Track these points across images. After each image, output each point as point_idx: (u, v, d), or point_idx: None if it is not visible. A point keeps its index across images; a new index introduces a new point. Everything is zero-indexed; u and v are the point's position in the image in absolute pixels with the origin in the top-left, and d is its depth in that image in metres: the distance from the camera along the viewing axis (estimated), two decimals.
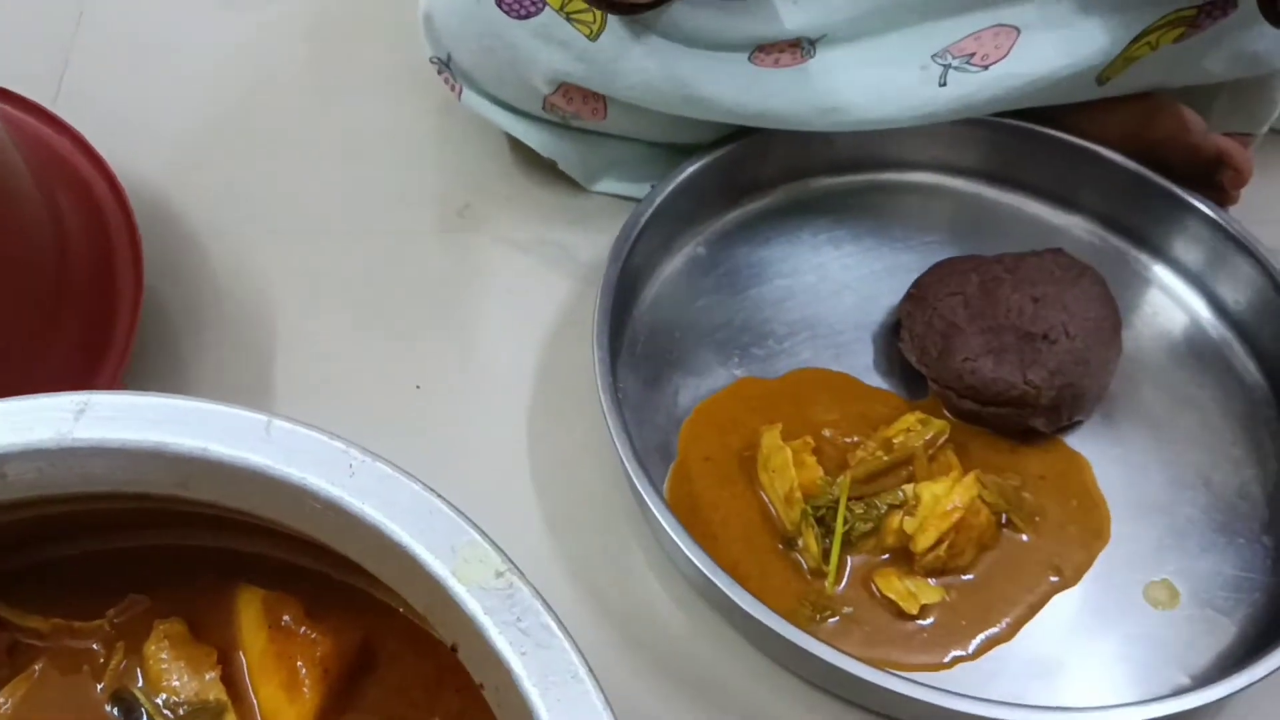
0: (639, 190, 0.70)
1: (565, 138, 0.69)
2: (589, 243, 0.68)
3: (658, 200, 0.64)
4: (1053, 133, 0.68)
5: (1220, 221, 0.65)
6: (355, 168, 0.72)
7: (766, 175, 0.69)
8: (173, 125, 0.73)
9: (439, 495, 0.40)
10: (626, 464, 0.53)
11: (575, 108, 0.66)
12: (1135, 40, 0.64)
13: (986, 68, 0.65)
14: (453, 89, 0.70)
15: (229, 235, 0.68)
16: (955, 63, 0.66)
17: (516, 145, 0.74)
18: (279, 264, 0.67)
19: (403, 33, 0.79)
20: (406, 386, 0.63)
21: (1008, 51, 0.65)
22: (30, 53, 0.76)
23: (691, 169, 0.65)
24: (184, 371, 0.63)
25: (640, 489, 0.52)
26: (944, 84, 0.65)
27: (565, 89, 0.65)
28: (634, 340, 0.63)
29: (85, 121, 0.66)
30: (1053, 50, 0.65)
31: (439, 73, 0.70)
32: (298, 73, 0.77)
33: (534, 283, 0.67)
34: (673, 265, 0.67)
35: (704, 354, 0.63)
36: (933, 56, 0.65)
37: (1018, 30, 0.65)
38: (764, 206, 0.70)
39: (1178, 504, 0.59)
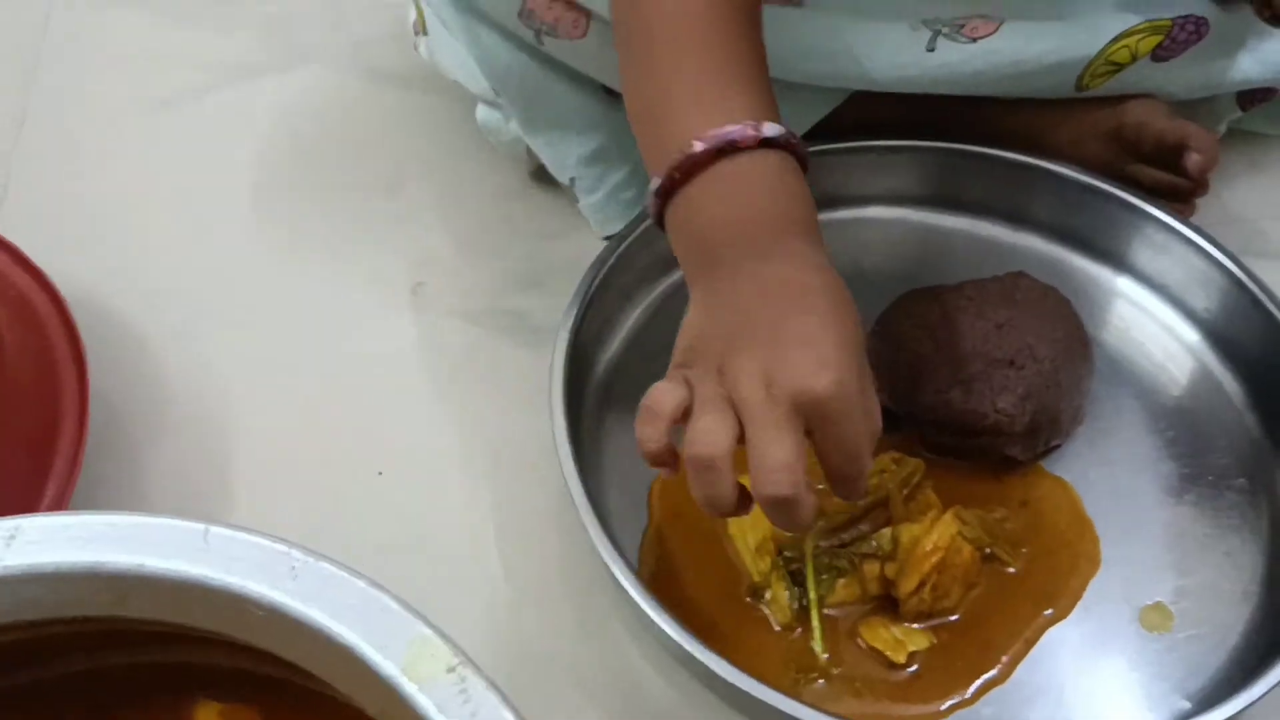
0: (572, 170, 0.68)
1: (525, 66, 0.66)
2: (545, 306, 0.67)
3: (612, 258, 0.63)
4: (1001, 153, 0.68)
5: (1179, 228, 0.64)
6: (303, 255, 0.71)
7: None
8: (116, 231, 0.72)
9: (386, 591, 0.39)
10: (592, 534, 0.51)
11: (555, 15, 0.62)
12: (1115, 41, 0.64)
13: (975, 40, 0.65)
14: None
15: (178, 336, 0.67)
16: (946, 30, 0.65)
17: (466, 216, 0.73)
18: (231, 360, 0.66)
19: (346, 115, 0.79)
20: (369, 473, 0.61)
21: (996, 29, 0.65)
22: None
23: (646, 224, 0.64)
24: (141, 477, 0.61)
25: (606, 559, 0.50)
26: (932, 49, 0.64)
27: None
28: (601, 400, 0.62)
29: (27, 233, 0.65)
30: (1038, 38, 0.65)
31: None
32: (239, 167, 0.76)
33: (492, 355, 0.66)
34: (635, 317, 0.66)
35: None
36: (924, 21, 0.65)
37: (1001, 22, 0.65)
38: None
39: (1167, 520, 0.57)
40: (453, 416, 0.64)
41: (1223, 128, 0.72)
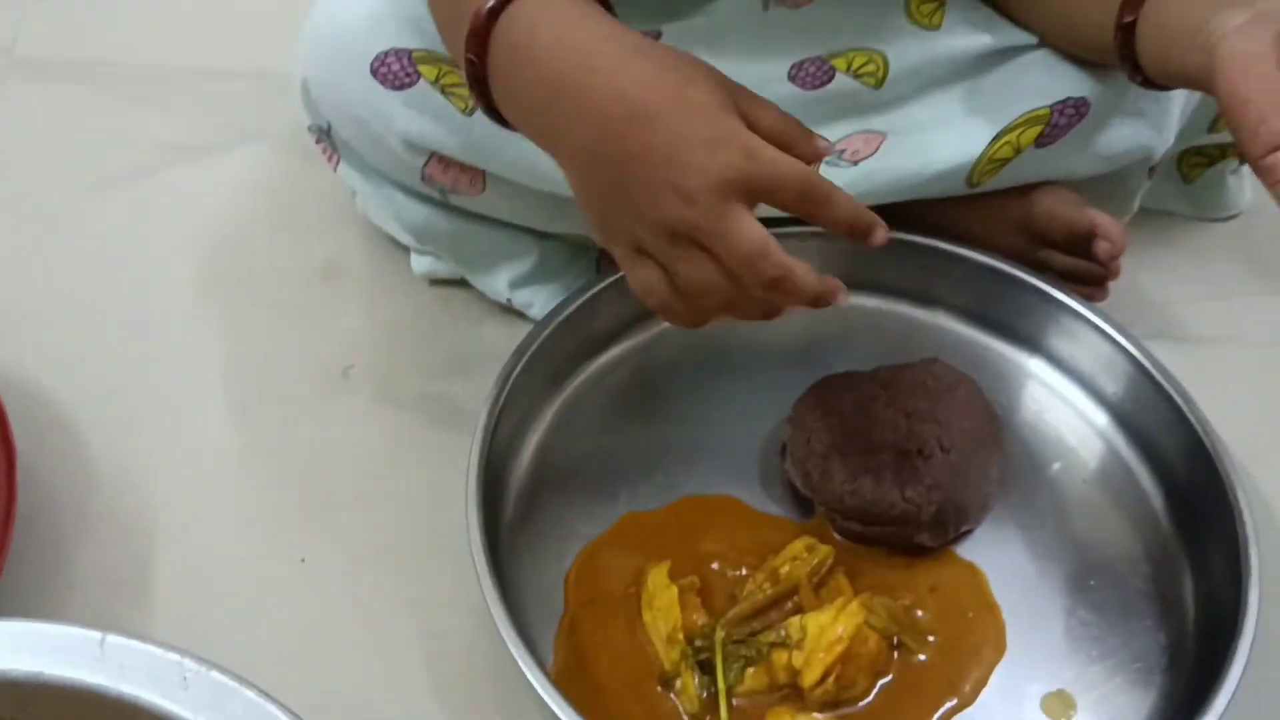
0: (509, 291, 0.71)
1: (441, 217, 0.69)
2: (474, 391, 0.67)
3: (534, 345, 0.64)
4: (917, 238, 0.69)
5: (1087, 314, 0.66)
6: (235, 340, 0.72)
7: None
8: (51, 314, 0.73)
9: (275, 701, 0.40)
10: (501, 629, 0.52)
11: (452, 178, 0.65)
12: (996, 140, 0.66)
13: (856, 163, 0.67)
14: (330, 159, 0.71)
15: (109, 420, 0.67)
16: (828, 158, 0.66)
17: (401, 298, 0.74)
18: (159, 443, 0.67)
19: (282, 197, 0.80)
20: (291, 560, 0.62)
21: (876, 149, 0.67)
22: None
23: (573, 306, 0.66)
24: (67, 562, 0.62)
25: (517, 658, 0.51)
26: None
27: (442, 159, 0.64)
28: (526, 485, 0.63)
29: None
30: (919, 150, 0.67)
31: (317, 141, 0.71)
32: (176, 250, 0.77)
33: (419, 440, 0.67)
34: (559, 401, 0.67)
35: (591, 493, 0.63)
36: None
37: (884, 135, 0.67)
38: (647, 339, 0.70)
39: (1073, 606, 0.58)
40: (378, 502, 0.64)
41: (1136, 202, 0.74)
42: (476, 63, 0.50)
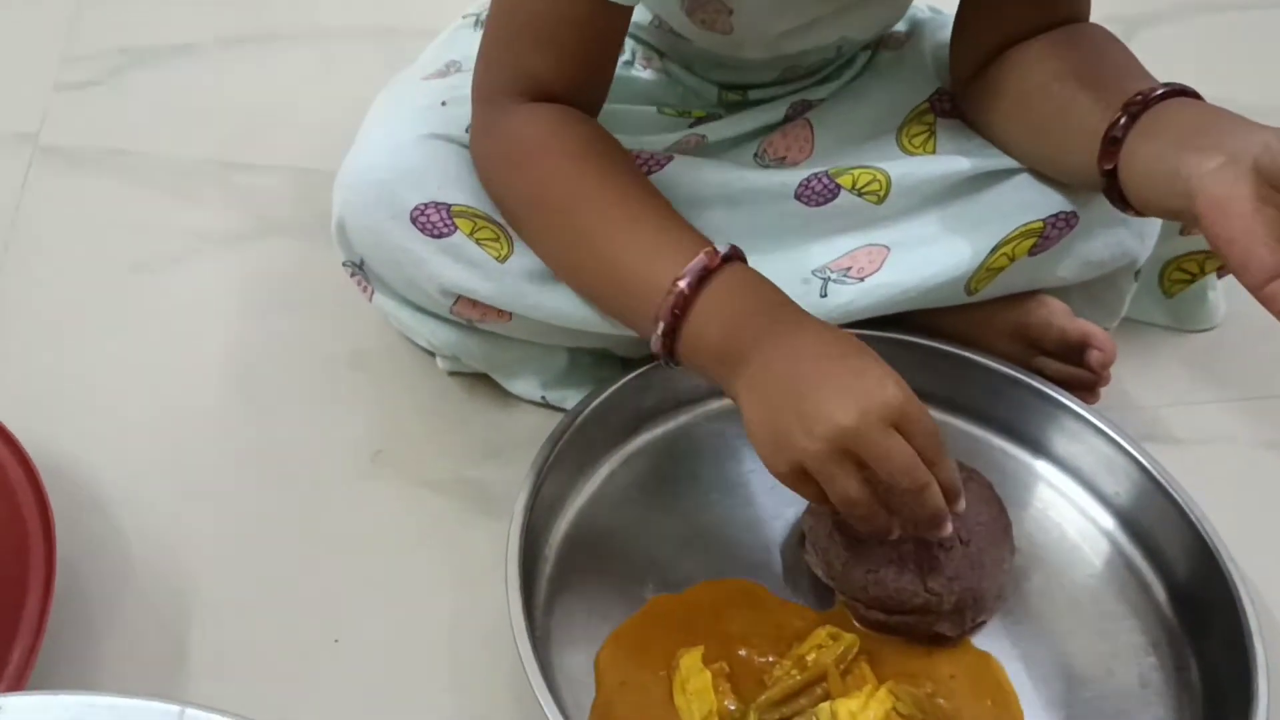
0: (541, 391, 0.74)
1: (471, 337, 0.72)
2: (504, 477, 0.70)
3: (568, 432, 0.66)
4: (928, 342, 0.73)
5: (1088, 416, 0.70)
6: (267, 424, 0.74)
7: (670, 398, 0.72)
8: (88, 397, 0.75)
9: None
10: (547, 711, 0.53)
11: (480, 313, 0.69)
12: (993, 251, 0.71)
13: (862, 279, 0.71)
14: (364, 290, 0.74)
15: (144, 502, 0.69)
16: (834, 276, 0.71)
17: (428, 383, 0.77)
18: (193, 524, 0.68)
19: (313, 285, 0.82)
20: (325, 642, 0.63)
21: (880, 265, 0.71)
22: None
23: (602, 396, 0.68)
24: (99, 645, 0.63)
25: None
26: (824, 295, 0.71)
27: (470, 300, 0.68)
28: (556, 570, 0.65)
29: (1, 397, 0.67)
30: (921, 264, 0.71)
31: (351, 275, 0.74)
32: (208, 337, 0.79)
33: (450, 525, 0.69)
34: (587, 491, 0.69)
35: (619, 577, 0.65)
36: (813, 271, 0.71)
37: (888, 249, 0.72)
38: (673, 428, 0.72)
39: (1082, 698, 0.61)
40: (410, 585, 0.66)
41: (1126, 303, 0.78)
42: (679, 315, 0.59)
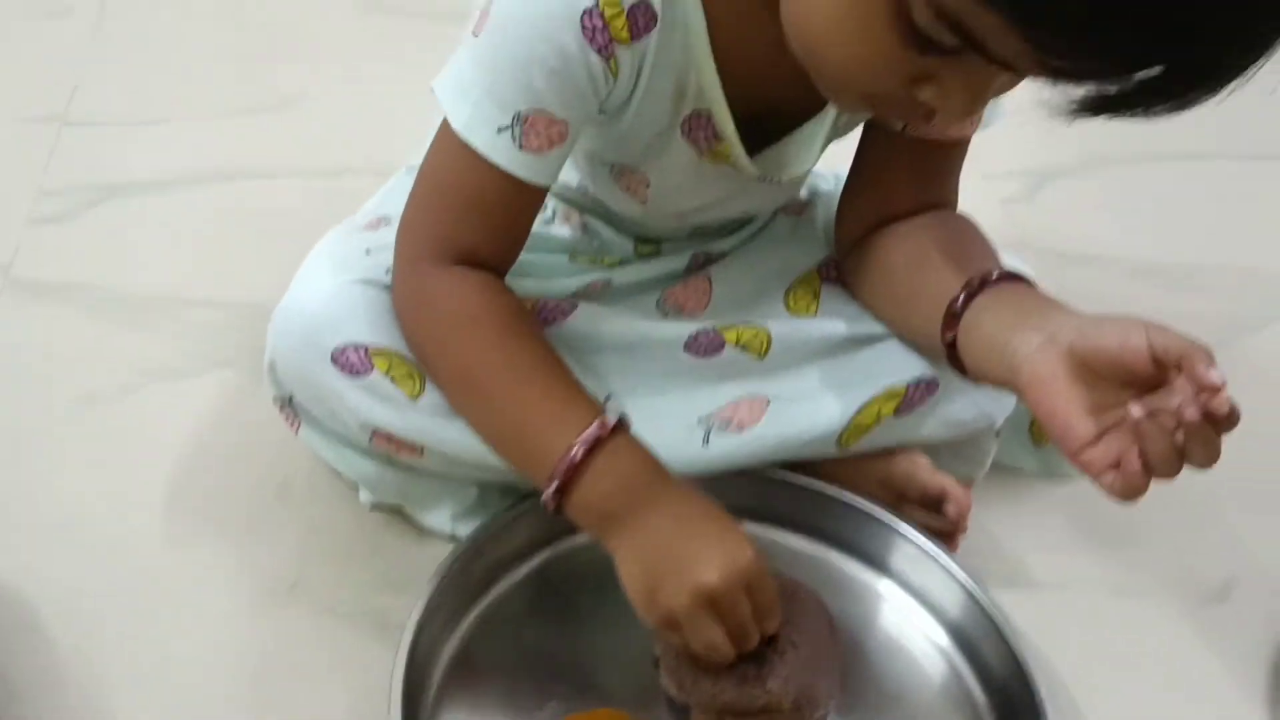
0: (451, 524, 0.81)
1: (388, 470, 0.79)
2: (408, 606, 0.76)
3: (454, 563, 0.73)
4: (802, 480, 0.81)
5: (935, 554, 0.77)
6: (197, 551, 0.81)
7: (556, 528, 0.77)
8: (24, 514, 0.81)
9: None
10: None
11: (394, 448, 0.76)
12: (860, 410, 0.78)
13: (742, 430, 0.79)
14: (292, 425, 0.81)
15: (75, 622, 0.75)
16: (716, 425, 0.79)
17: (348, 516, 0.84)
18: (125, 647, 0.74)
19: (250, 420, 0.90)
20: None
21: (760, 417, 0.79)
22: None
23: (489, 530, 0.76)
24: None
25: None
26: (707, 444, 0.78)
27: (387, 435, 0.75)
28: (439, 696, 0.71)
29: None
30: (797, 418, 0.79)
31: (280, 409, 0.81)
32: (148, 465, 0.86)
33: (351, 653, 0.75)
34: (474, 617, 0.75)
35: (501, 699, 0.71)
36: (699, 419, 0.79)
37: (768, 400, 0.79)
38: (551, 556, 0.78)
39: None
40: (318, 709, 0.72)
41: (989, 460, 0.86)
42: (570, 478, 0.66)
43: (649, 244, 0.87)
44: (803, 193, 0.92)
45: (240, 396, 0.91)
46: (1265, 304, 1.15)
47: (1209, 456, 0.59)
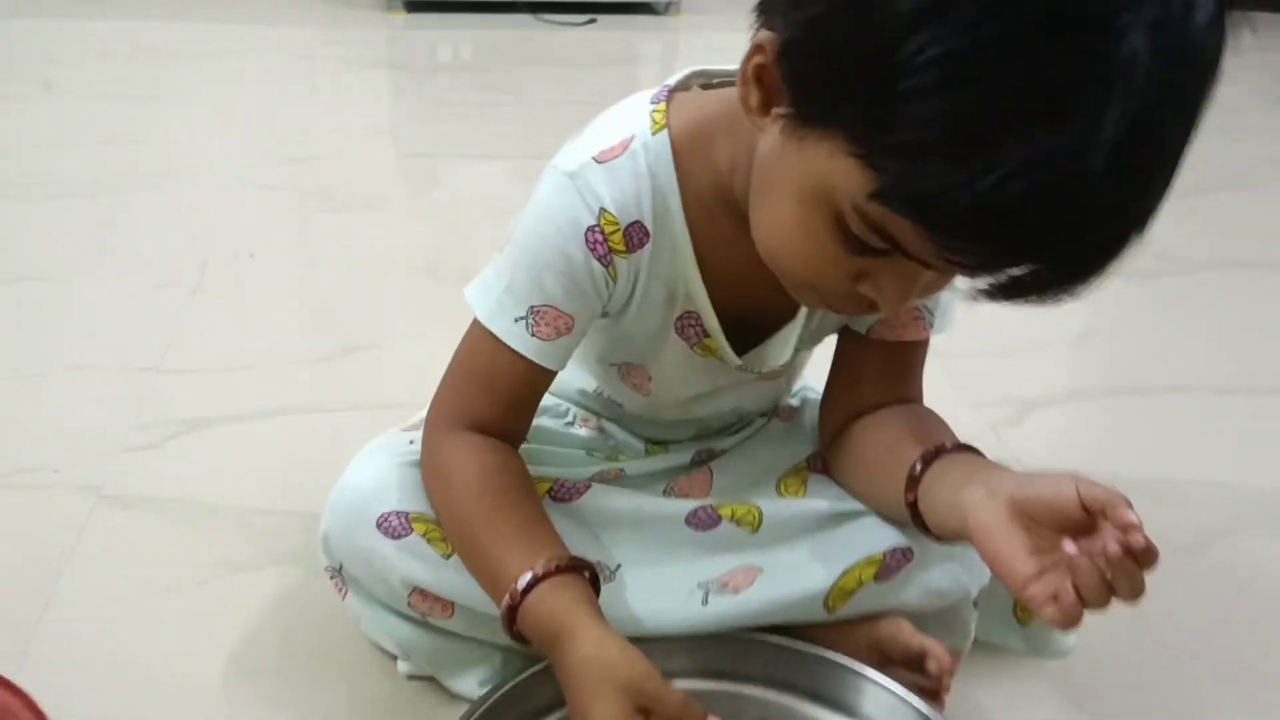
0: (479, 690, 0.89)
1: (423, 635, 0.89)
2: None
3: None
4: (797, 645, 0.88)
5: (914, 703, 0.83)
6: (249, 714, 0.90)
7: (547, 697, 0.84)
8: (117, 694, 0.91)
9: None
10: None
11: (429, 606, 0.87)
12: (843, 575, 0.87)
13: (737, 592, 0.88)
14: (340, 591, 0.91)
15: None
16: (714, 588, 0.88)
17: (386, 686, 0.93)
18: None
19: (298, 607, 1.00)
20: None
21: (753, 582, 0.88)
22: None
23: (503, 690, 0.82)
24: None
25: None
26: (706, 603, 0.87)
27: (421, 592, 0.85)
28: None
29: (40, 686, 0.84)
30: (786, 583, 0.88)
31: (331, 578, 0.92)
32: (215, 646, 0.96)
33: None
34: None
35: None
36: (698, 584, 0.89)
37: (760, 570, 0.89)
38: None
39: None
40: None
41: (971, 629, 0.93)
42: (516, 603, 0.78)
43: (658, 445, 1.00)
44: (795, 401, 1.05)
45: (296, 587, 1.02)
46: (1239, 516, 1.23)
47: (1133, 589, 0.67)
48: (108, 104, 2.31)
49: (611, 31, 3.16)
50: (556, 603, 0.78)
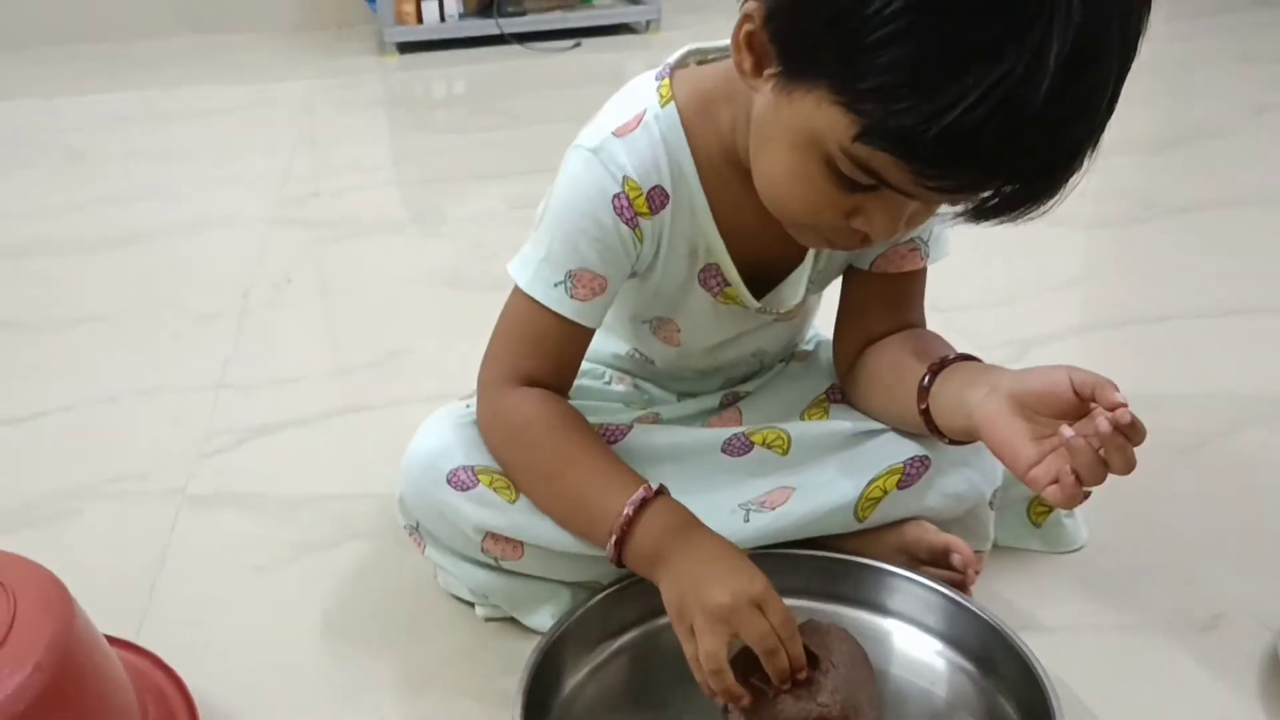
0: (549, 623, 0.97)
1: (497, 578, 0.99)
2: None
3: (548, 644, 0.90)
4: (834, 555, 0.99)
5: (957, 599, 0.94)
6: (347, 666, 1.00)
7: (638, 613, 0.96)
8: (230, 648, 1.02)
9: None
10: None
11: (501, 549, 0.96)
12: (868, 485, 0.97)
13: (774, 509, 0.98)
14: (419, 546, 1.01)
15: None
16: (754, 507, 0.98)
17: (468, 627, 1.02)
18: None
19: (378, 575, 1.10)
20: None
21: (788, 499, 0.98)
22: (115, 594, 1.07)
23: (574, 616, 0.93)
24: None
25: None
26: (747, 520, 0.98)
27: (493, 536, 0.95)
28: None
29: (162, 646, 0.94)
30: (818, 497, 0.98)
31: (410, 535, 1.02)
32: (307, 611, 1.07)
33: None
34: (564, 694, 0.91)
35: None
36: (739, 505, 0.98)
37: (793, 489, 0.99)
38: (636, 637, 0.96)
39: None
40: None
41: (991, 529, 1.04)
42: (626, 530, 0.87)
43: (688, 396, 1.10)
44: (809, 345, 1.15)
45: (373, 557, 1.12)
46: (1233, 420, 1.33)
47: (1125, 463, 0.77)
48: (129, 164, 2.43)
49: (597, 54, 3.29)
50: (673, 515, 0.88)
